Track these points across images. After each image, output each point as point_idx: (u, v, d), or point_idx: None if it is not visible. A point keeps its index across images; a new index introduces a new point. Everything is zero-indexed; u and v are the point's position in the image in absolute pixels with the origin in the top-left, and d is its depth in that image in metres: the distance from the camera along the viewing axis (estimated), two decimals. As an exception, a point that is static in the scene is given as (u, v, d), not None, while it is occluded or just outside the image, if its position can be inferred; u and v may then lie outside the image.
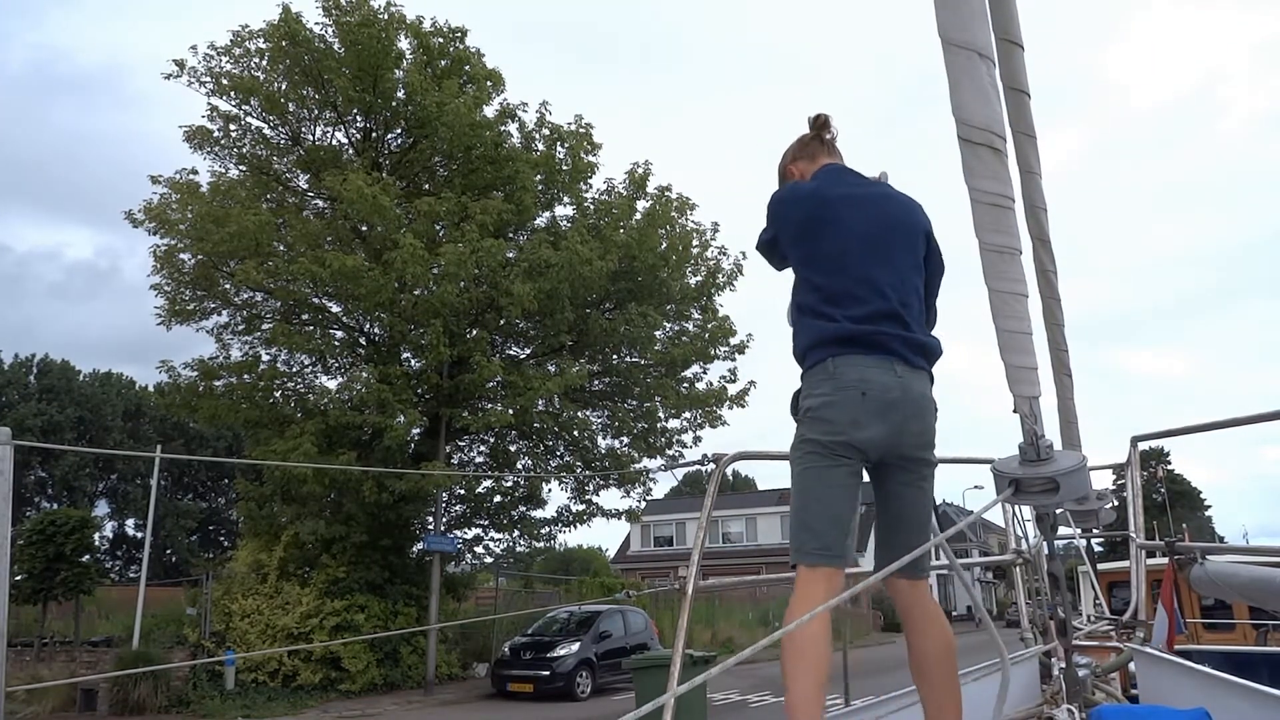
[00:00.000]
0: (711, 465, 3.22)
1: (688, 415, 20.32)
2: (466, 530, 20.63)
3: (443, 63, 18.91)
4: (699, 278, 20.12)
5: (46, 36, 73.71)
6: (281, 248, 17.94)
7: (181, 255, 17.79)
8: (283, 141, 19.39)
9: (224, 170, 18.95)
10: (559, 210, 19.96)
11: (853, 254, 2.36)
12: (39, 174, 65.67)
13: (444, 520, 19.15)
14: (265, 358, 18.65)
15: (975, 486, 45.15)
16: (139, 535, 42.05)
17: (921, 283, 2.45)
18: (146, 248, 22.33)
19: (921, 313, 2.45)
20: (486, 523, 20.74)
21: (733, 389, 20.15)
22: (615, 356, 19.89)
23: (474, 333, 17.93)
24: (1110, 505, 3.41)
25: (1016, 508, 4.14)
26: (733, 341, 20.17)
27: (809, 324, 2.37)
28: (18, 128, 65.21)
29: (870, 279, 2.33)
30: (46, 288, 63.12)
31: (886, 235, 2.40)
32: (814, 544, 2.21)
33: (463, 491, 19.97)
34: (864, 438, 2.24)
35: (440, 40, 19.09)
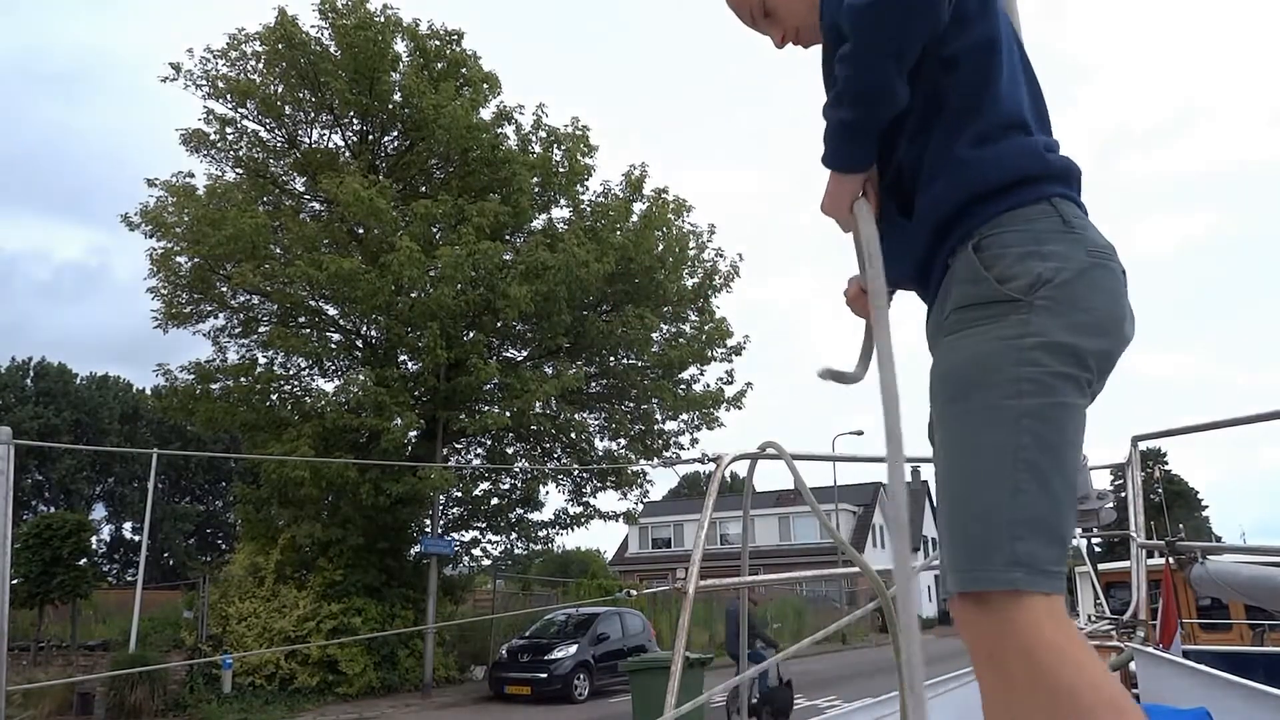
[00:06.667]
0: (711, 464, 3.22)
1: (685, 417, 20.41)
2: (464, 533, 20.65)
3: (439, 65, 18.90)
4: (696, 280, 20.14)
5: (32, 32, 73.51)
6: (278, 250, 17.92)
7: (178, 258, 17.77)
8: (279, 144, 19.38)
9: (220, 173, 18.96)
10: (556, 213, 20.01)
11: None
12: (26, 172, 65.50)
13: (441, 523, 19.12)
14: (262, 361, 18.64)
15: (973, 487, 45.23)
16: (136, 538, 42.04)
17: None
18: (140, 248, 22.29)
19: None
20: (484, 525, 20.75)
21: (729, 391, 20.28)
22: (612, 359, 19.89)
23: (471, 335, 17.91)
24: (1110, 505, 3.40)
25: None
26: (729, 343, 20.21)
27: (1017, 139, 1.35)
28: (2, 124, 65.01)
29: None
30: (37, 288, 63.00)
31: None
32: (1060, 556, 1.19)
33: (460, 494, 19.96)
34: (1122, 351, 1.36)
35: (437, 43, 19.10)
